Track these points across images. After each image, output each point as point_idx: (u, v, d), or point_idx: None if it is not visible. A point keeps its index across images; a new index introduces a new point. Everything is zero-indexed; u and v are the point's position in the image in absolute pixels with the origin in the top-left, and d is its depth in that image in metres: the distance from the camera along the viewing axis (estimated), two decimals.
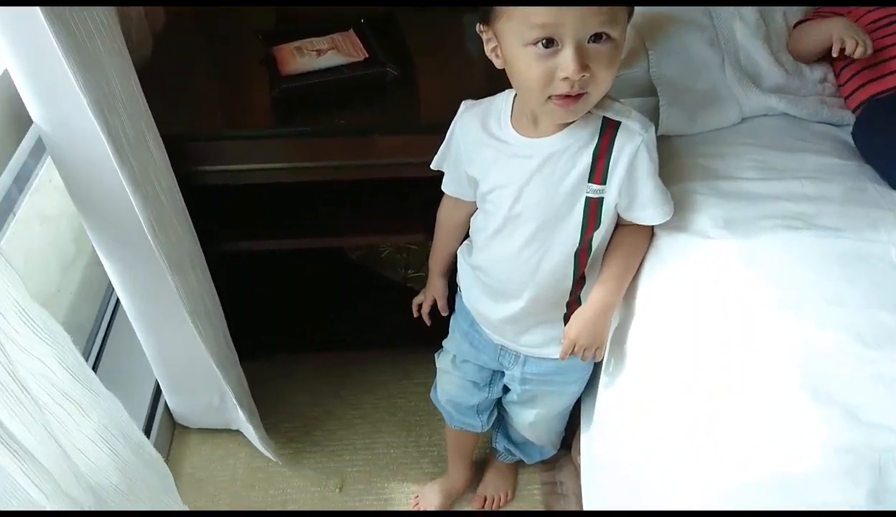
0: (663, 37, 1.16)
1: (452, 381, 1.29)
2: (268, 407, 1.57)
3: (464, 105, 1.08)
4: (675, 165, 1.13)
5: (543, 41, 0.86)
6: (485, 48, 0.96)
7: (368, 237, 1.38)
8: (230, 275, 1.42)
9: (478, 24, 0.95)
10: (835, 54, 1.13)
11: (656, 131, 1.15)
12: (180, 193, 1.13)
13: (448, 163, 1.12)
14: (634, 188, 0.99)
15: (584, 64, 0.85)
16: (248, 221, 1.38)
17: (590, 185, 0.98)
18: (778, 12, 1.26)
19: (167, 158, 1.09)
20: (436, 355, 1.33)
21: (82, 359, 0.72)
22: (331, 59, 1.29)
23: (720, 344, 0.94)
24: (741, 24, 1.20)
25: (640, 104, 1.19)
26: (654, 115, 1.18)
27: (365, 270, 1.75)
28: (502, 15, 0.89)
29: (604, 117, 0.96)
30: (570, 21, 0.84)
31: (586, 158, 0.97)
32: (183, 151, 1.17)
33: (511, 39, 0.89)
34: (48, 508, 0.63)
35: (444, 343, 1.30)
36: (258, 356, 1.56)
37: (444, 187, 1.16)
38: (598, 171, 0.97)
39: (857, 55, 1.11)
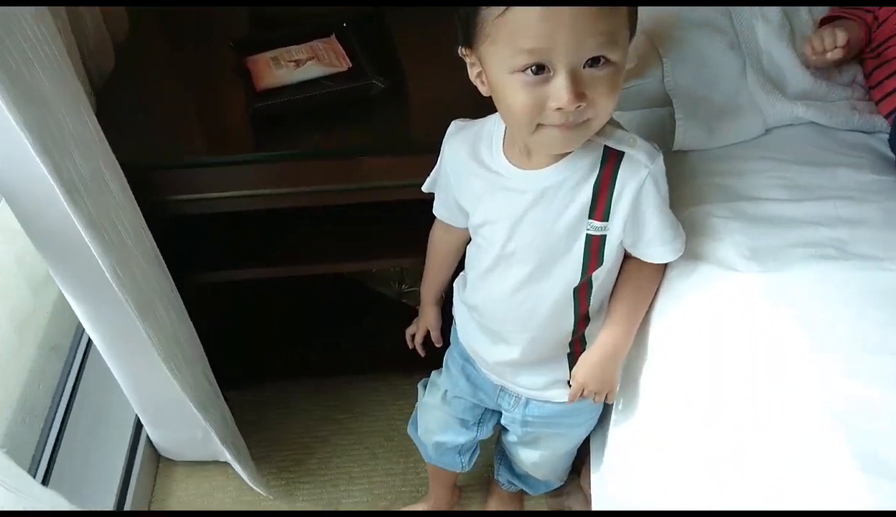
0: (678, 42, 1.04)
1: (438, 418, 1.19)
2: (258, 436, 1.49)
3: (453, 125, 0.98)
4: (691, 185, 1.02)
5: (533, 67, 0.75)
6: (469, 73, 0.85)
7: (358, 262, 1.27)
8: (214, 301, 1.33)
9: (459, 48, 0.84)
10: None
11: (672, 145, 1.06)
12: (148, 230, 1.02)
13: (439, 187, 1.02)
14: (640, 225, 0.89)
15: (579, 92, 0.75)
16: (230, 249, 1.27)
17: (590, 221, 0.88)
18: (802, 6, 1.14)
19: (130, 194, 0.98)
20: (419, 385, 1.23)
21: (17, 469, 0.62)
22: (310, 71, 1.17)
23: (747, 388, 0.84)
24: (763, 23, 1.08)
25: (653, 115, 1.08)
26: (668, 126, 1.07)
27: (357, 286, 1.65)
28: (486, 38, 0.78)
29: (605, 146, 0.86)
30: (563, 45, 0.73)
31: (586, 193, 0.86)
32: (150, 181, 1.07)
33: (496, 65, 0.78)
34: None
35: (435, 376, 1.20)
36: (247, 383, 1.47)
37: (435, 211, 1.06)
38: (600, 207, 0.87)
39: (827, 46, 1.02)
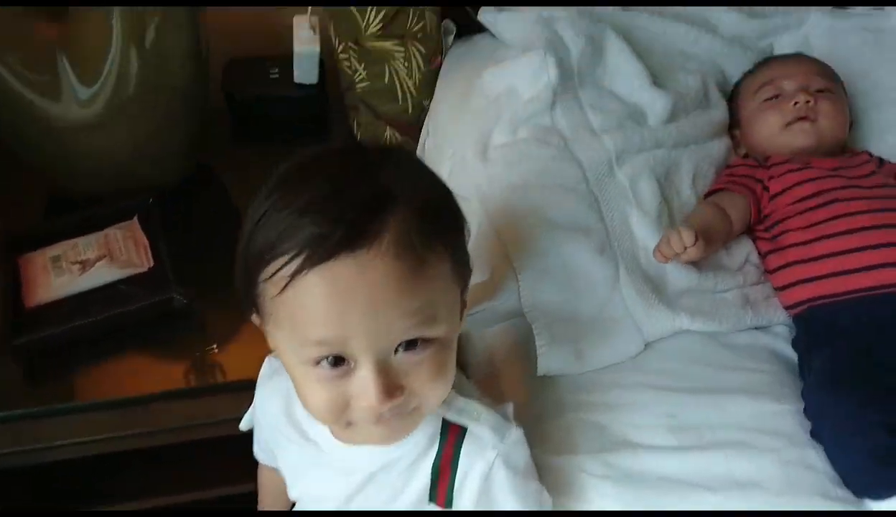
0: (537, 253, 0.85)
1: None
2: None
3: (267, 364, 0.78)
4: (558, 424, 0.83)
5: (329, 358, 0.57)
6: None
7: (189, 494, 1.04)
8: None
9: (253, 315, 0.65)
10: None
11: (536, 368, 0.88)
12: None
13: (258, 427, 0.82)
14: (494, 507, 0.70)
15: (392, 386, 0.58)
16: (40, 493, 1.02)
17: (432, 505, 0.70)
18: (684, 181, 0.97)
19: None
20: None
21: None
22: (99, 276, 0.94)
23: None
24: (639, 214, 0.90)
25: (512, 329, 0.89)
26: (531, 340, 0.88)
27: None
28: (269, 318, 0.59)
29: (444, 419, 0.68)
30: (362, 333, 0.55)
31: (424, 474, 0.69)
32: None
33: (285, 352, 0.60)
34: None
35: None
36: None
37: (255, 455, 0.86)
38: (441, 492, 0.69)
39: (676, 249, 0.84)
